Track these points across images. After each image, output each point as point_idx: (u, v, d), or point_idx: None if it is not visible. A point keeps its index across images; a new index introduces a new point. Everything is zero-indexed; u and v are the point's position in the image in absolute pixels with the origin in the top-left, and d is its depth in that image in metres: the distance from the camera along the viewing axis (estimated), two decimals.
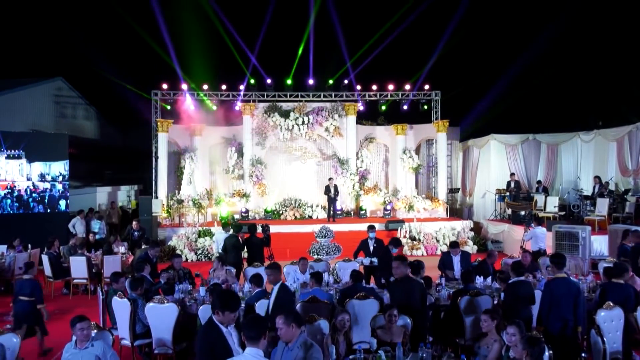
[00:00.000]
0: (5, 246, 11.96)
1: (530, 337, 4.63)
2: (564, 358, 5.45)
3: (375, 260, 9.50)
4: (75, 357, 4.84)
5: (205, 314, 6.24)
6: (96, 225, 14.83)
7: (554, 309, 5.89)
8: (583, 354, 5.35)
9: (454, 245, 9.29)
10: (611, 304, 5.79)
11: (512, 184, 17.00)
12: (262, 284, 6.70)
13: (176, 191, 18.44)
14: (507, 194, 16.96)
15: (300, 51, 18.81)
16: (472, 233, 16.89)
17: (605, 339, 5.46)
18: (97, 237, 13.77)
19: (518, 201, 16.30)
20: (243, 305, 6.50)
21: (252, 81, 18.99)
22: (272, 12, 20.51)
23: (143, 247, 11.16)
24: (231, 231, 11.10)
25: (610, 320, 5.66)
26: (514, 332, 4.68)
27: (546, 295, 6.02)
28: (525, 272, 8.19)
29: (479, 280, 7.91)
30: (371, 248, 9.72)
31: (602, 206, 13.80)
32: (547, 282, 6.27)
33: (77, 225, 14.47)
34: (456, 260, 8.93)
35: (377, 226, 15.36)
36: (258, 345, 3.77)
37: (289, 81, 19.05)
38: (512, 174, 17.36)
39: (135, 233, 13.38)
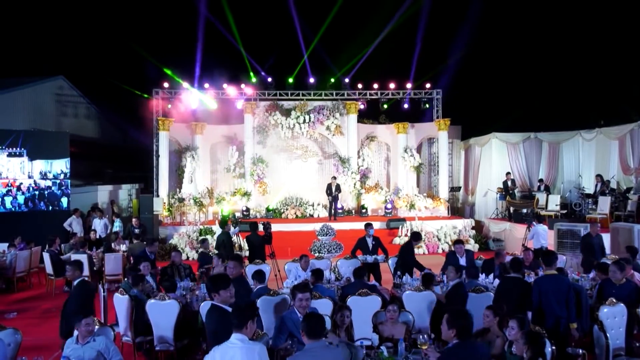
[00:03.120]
0: (7, 244, 11.97)
1: (531, 333, 4.62)
2: (559, 355, 5.43)
3: (379, 257, 9.50)
4: (77, 352, 4.84)
5: (206, 310, 6.23)
6: (116, 224, 14.81)
7: (546, 306, 5.88)
8: (580, 350, 5.34)
9: (458, 242, 9.22)
10: (614, 300, 5.78)
11: (510, 183, 16.97)
12: (264, 281, 6.70)
13: (177, 190, 18.46)
14: (504, 191, 16.98)
15: (302, 50, 18.82)
16: (474, 232, 16.88)
17: (608, 335, 5.44)
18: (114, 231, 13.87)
19: (514, 199, 16.34)
20: None
21: (254, 80, 19.00)
22: (273, 12, 20.57)
23: (135, 242, 11.23)
24: (232, 229, 11.24)
25: (613, 317, 5.64)
26: (513, 325, 4.68)
27: (535, 293, 6.01)
28: (526, 270, 8.25)
29: (481, 277, 7.90)
30: (370, 246, 9.71)
31: (604, 204, 13.77)
32: (537, 280, 6.24)
33: (73, 224, 14.46)
34: (462, 261, 8.63)
35: (379, 225, 15.44)
36: (243, 331, 3.93)
37: (290, 80, 19.05)
38: (507, 173, 17.29)
39: (136, 230, 13.39)
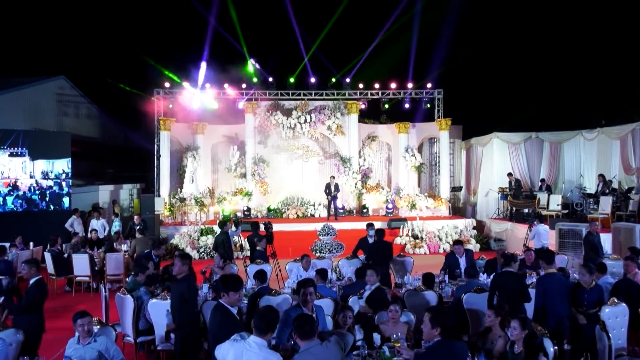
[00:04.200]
0: (8, 244, 11.95)
1: (527, 334, 4.65)
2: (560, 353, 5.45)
3: None
4: (78, 352, 4.84)
5: (208, 310, 6.23)
6: (116, 223, 14.87)
7: (549, 305, 5.91)
8: (566, 346, 5.36)
9: (457, 243, 9.17)
10: (615, 300, 5.78)
11: (513, 183, 16.96)
12: (265, 280, 6.69)
13: (178, 189, 18.45)
14: (509, 192, 16.95)
15: (303, 50, 18.82)
16: (475, 231, 16.86)
17: (610, 335, 5.43)
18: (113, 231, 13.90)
19: (519, 199, 16.32)
20: (246, 301, 6.50)
21: (255, 79, 18.98)
22: (274, 12, 20.57)
23: (138, 236, 11.28)
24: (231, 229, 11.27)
25: (615, 317, 5.64)
26: (515, 325, 4.69)
27: (539, 292, 6.01)
28: (527, 270, 8.24)
29: (482, 277, 7.90)
30: None
31: (606, 204, 13.76)
32: (539, 279, 6.27)
33: (75, 224, 14.45)
34: (462, 261, 8.60)
35: (380, 224, 15.41)
36: (264, 336, 3.87)
37: (291, 79, 19.03)
38: (509, 174, 17.27)
39: (137, 227, 13.41)
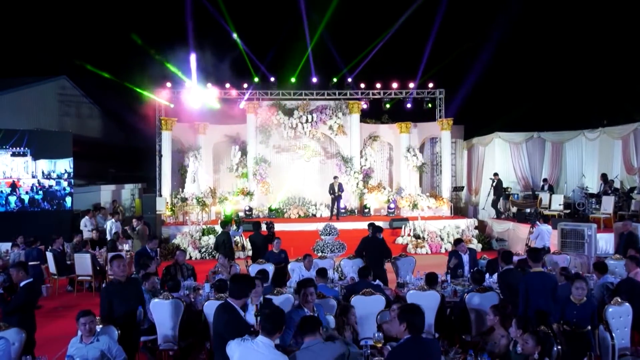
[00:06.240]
0: (10, 244, 11.96)
1: (542, 333, 4.63)
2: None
3: None
4: (80, 351, 4.85)
5: (210, 310, 6.23)
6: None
7: (533, 303, 5.92)
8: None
9: (458, 242, 9.18)
10: (619, 300, 5.76)
11: (494, 182, 17.04)
12: (267, 280, 6.68)
13: (180, 189, 18.46)
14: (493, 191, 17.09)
15: (304, 50, 18.79)
16: (477, 231, 16.84)
17: (614, 335, 5.42)
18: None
19: (498, 201, 16.74)
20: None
21: (256, 79, 18.98)
22: (276, 11, 20.56)
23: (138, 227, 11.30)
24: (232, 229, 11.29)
25: (619, 317, 5.63)
26: (513, 324, 4.70)
27: (522, 290, 6.03)
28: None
29: (485, 276, 7.87)
30: None
31: (608, 204, 13.74)
32: (523, 277, 6.27)
33: (87, 225, 14.39)
34: (465, 259, 8.65)
35: (381, 224, 15.41)
36: (271, 337, 3.86)
37: (292, 79, 19.03)
38: (495, 174, 17.26)
39: (137, 229, 13.37)
